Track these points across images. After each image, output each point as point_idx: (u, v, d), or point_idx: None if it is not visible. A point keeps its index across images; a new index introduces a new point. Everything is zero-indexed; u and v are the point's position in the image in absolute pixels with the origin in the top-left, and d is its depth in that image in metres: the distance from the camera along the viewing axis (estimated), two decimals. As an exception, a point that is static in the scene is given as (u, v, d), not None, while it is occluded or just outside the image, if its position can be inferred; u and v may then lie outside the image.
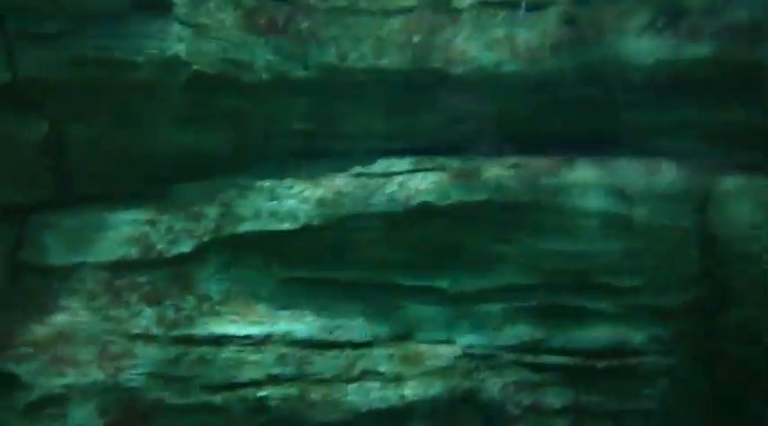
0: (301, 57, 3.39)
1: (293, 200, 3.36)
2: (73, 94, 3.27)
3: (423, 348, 3.21)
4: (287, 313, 3.25)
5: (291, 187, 3.40)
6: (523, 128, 3.51)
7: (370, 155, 3.48)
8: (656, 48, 3.35)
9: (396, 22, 3.42)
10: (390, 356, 3.17)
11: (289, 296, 3.32)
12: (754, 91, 3.35)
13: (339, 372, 3.11)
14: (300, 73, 3.39)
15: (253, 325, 3.19)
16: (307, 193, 3.38)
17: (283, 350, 3.14)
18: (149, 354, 3.07)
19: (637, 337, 3.24)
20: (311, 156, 3.52)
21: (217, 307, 3.22)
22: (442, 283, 3.33)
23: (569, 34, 3.42)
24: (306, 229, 3.31)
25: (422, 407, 3.09)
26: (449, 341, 3.26)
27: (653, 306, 3.27)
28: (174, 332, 3.13)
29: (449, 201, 3.31)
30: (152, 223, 3.37)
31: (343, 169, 3.46)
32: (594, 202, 3.30)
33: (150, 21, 3.25)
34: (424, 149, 3.49)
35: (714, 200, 3.29)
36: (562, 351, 3.22)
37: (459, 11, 3.43)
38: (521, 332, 3.26)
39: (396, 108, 3.50)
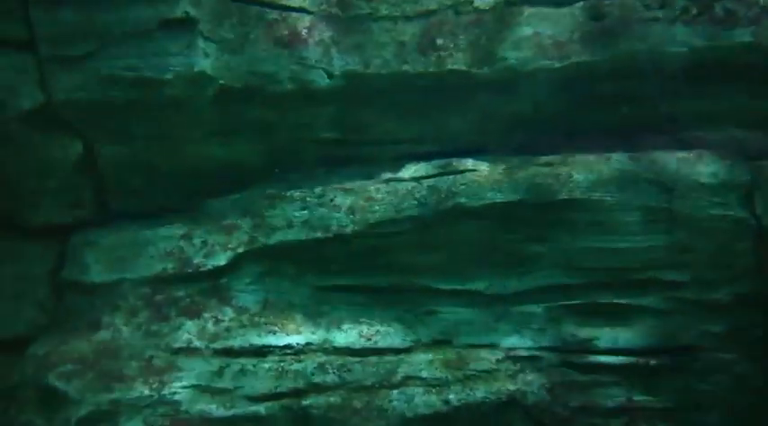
0: (325, 66, 3.40)
1: (324, 209, 3.37)
2: (105, 114, 3.34)
3: (464, 352, 3.19)
4: (324, 321, 3.26)
5: (322, 195, 3.41)
6: (555, 124, 3.45)
7: (399, 160, 3.47)
8: (691, 36, 3.28)
9: (417, 26, 3.40)
10: (431, 361, 3.15)
11: (325, 304, 3.32)
12: (793, 74, 3.27)
13: (381, 379, 3.10)
14: (325, 82, 3.40)
15: (292, 335, 3.20)
16: (337, 201, 3.38)
17: (323, 358, 3.15)
18: (192, 367, 3.10)
19: (688, 333, 3.16)
20: (340, 164, 3.53)
21: (255, 318, 3.24)
22: (479, 285, 3.30)
23: (598, 27, 3.36)
24: (338, 237, 3.31)
25: (467, 412, 3.06)
26: (490, 344, 3.23)
27: (702, 301, 3.19)
28: (216, 345, 3.16)
29: (481, 203, 3.28)
30: (187, 237, 3.41)
31: (372, 175, 3.45)
32: (634, 196, 3.24)
33: (176, 38, 3.28)
34: (453, 152, 3.47)
35: (761, 189, 3.20)
36: (610, 351, 3.15)
37: (482, 11, 3.39)
38: (565, 331, 3.20)
39: (423, 112, 3.48)
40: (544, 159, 3.36)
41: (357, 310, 3.30)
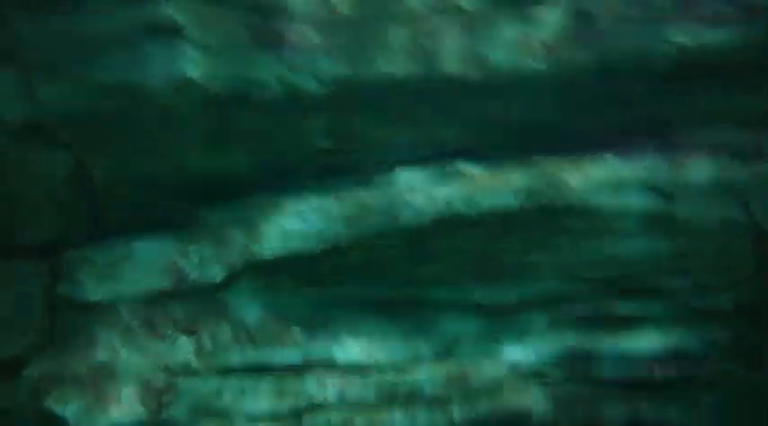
0: (314, 70, 3.31)
1: (319, 219, 3.31)
2: (92, 125, 3.28)
3: (466, 366, 3.15)
4: (324, 336, 3.22)
5: (316, 205, 3.34)
6: (546, 128, 3.40)
7: (393, 168, 3.40)
8: (679, 36, 3.18)
9: (405, 30, 3.30)
10: (433, 377, 3.12)
11: (322, 318, 3.28)
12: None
13: (382, 396, 3.07)
14: (314, 87, 3.31)
15: (290, 351, 3.16)
16: (332, 211, 3.32)
17: (323, 375, 3.11)
18: (191, 387, 3.07)
19: (693, 342, 3.12)
20: (334, 173, 3.46)
21: (253, 334, 3.20)
22: (478, 295, 3.26)
23: (584, 27, 3.26)
24: (334, 249, 3.26)
25: (471, 428, 3.04)
26: (492, 356, 3.18)
27: (705, 309, 3.15)
28: (214, 363, 3.12)
29: (478, 210, 3.22)
30: (182, 252, 3.36)
31: (366, 183, 3.39)
32: (631, 201, 3.18)
33: (162, 45, 3.21)
34: (446, 157, 3.40)
35: (757, 190, 3.14)
36: (615, 362, 3.12)
37: (469, 13, 3.30)
38: (568, 342, 3.16)
39: (414, 117, 3.41)
40: (538, 164, 3.29)
41: (356, 324, 3.26)
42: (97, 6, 3.14)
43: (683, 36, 3.22)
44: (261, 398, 3.05)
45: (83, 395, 3.04)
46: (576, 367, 3.13)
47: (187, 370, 3.11)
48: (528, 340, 3.21)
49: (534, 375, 3.12)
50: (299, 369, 3.12)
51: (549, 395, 3.07)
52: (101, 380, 3.08)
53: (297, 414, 3.02)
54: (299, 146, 3.44)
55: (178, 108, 3.26)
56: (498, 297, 3.25)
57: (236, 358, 3.14)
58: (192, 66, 3.24)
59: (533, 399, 3.07)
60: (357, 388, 3.09)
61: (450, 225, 3.24)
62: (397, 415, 3.02)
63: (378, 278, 3.30)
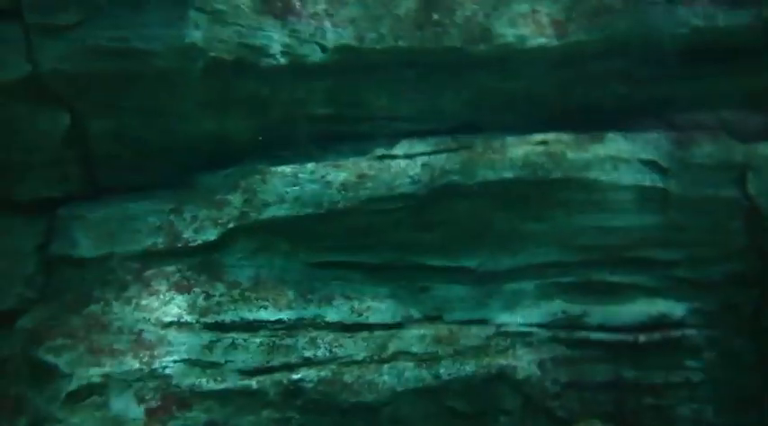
0: (319, 39, 3.35)
1: (316, 185, 3.35)
2: (93, 85, 3.28)
3: (455, 328, 3.20)
4: (316, 297, 3.25)
5: (314, 171, 3.38)
6: (551, 103, 3.43)
7: (393, 137, 3.44)
8: (691, 17, 3.25)
9: (413, 0, 3.35)
10: (422, 336, 3.17)
11: (317, 280, 3.31)
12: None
13: (371, 354, 3.12)
14: (318, 56, 3.35)
15: (283, 310, 3.20)
16: (329, 177, 3.36)
17: (314, 333, 3.15)
18: (183, 341, 3.09)
19: (677, 310, 3.19)
20: (333, 140, 3.50)
21: (246, 293, 3.23)
22: (471, 263, 3.31)
23: (596, 5, 3.33)
24: (330, 213, 3.30)
25: (457, 386, 3.09)
26: (481, 320, 3.24)
27: (693, 280, 3.21)
28: (206, 319, 3.15)
29: (475, 180, 3.27)
30: (177, 212, 3.38)
31: (365, 152, 3.43)
32: (627, 176, 3.24)
33: (166, 8, 3.22)
34: (447, 129, 3.45)
35: (754, 169, 3.22)
36: (601, 327, 3.18)
37: (476, -17, 3.35)
38: (556, 308, 3.23)
39: (418, 88, 3.45)
40: (539, 137, 3.35)
41: (349, 286, 3.30)
42: (102, -33, 3.14)
43: (696, 17, 3.26)
44: (252, 353, 3.09)
45: (75, 347, 3.06)
46: (561, 330, 3.21)
47: (179, 325, 3.14)
48: (517, 305, 3.28)
49: (520, 336, 3.19)
50: (291, 327, 3.16)
51: (534, 356, 3.14)
52: (93, 332, 3.10)
53: (287, 369, 3.06)
54: (300, 114, 3.47)
55: (180, 71, 3.27)
56: (491, 264, 3.31)
57: (228, 315, 3.18)
58: (196, 30, 3.25)
59: (519, 359, 3.14)
60: (347, 346, 3.14)
61: (446, 194, 3.28)
62: (385, 372, 3.08)
63: (372, 243, 3.34)
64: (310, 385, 3.05)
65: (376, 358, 3.11)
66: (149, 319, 3.14)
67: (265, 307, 3.20)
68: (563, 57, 3.37)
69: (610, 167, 3.26)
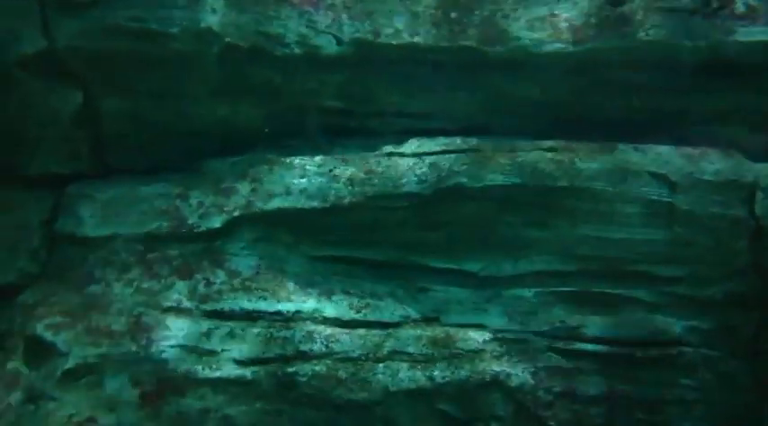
0: (335, 32, 3.33)
1: (323, 178, 3.34)
2: (107, 64, 3.28)
3: (452, 330, 3.19)
4: (316, 291, 3.26)
5: (322, 165, 3.37)
6: (563, 110, 3.41)
7: (402, 135, 3.43)
8: (710, 30, 3.20)
9: (431, -3, 3.33)
10: (419, 337, 3.16)
11: (318, 274, 3.32)
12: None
13: (367, 351, 3.11)
14: (333, 48, 3.34)
15: (282, 302, 3.20)
16: (337, 171, 3.35)
17: (312, 327, 3.15)
18: (181, 327, 3.10)
19: (676, 327, 3.17)
20: (343, 134, 3.49)
21: (247, 283, 3.24)
22: (473, 266, 3.30)
23: (616, 13, 3.28)
24: (335, 207, 3.29)
25: (450, 389, 3.08)
26: (479, 325, 3.23)
27: (694, 297, 3.19)
28: (205, 306, 3.16)
29: (482, 184, 3.25)
30: (183, 197, 3.39)
31: (374, 148, 3.42)
32: (635, 188, 3.21)
33: (185, -9, 3.21)
34: (458, 130, 3.42)
35: (763, 189, 3.18)
36: (597, 339, 3.16)
37: (496, -16, 3.32)
38: (554, 317, 3.21)
39: (430, 87, 3.43)
40: (548, 144, 3.32)
41: (349, 282, 3.29)
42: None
43: (716, 31, 3.21)
44: (249, 344, 3.09)
45: (74, 326, 3.08)
46: (558, 340, 3.19)
47: (178, 310, 3.15)
48: (515, 312, 3.26)
49: (516, 343, 3.18)
50: (289, 320, 3.17)
51: (528, 364, 3.13)
52: (93, 312, 3.12)
53: (283, 362, 3.07)
54: (311, 105, 3.46)
55: (195, 55, 3.27)
56: (492, 268, 3.29)
57: (227, 303, 3.18)
58: (213, 15, 3.24)
59: (513, 367, 3.12)
60: (343, 342, 3.14)
61: (453, 195, 3.26)
62: (380, 371, 3.08)
63: (375, 240, 3.33)
64: (304, 379, 3.05)
65: (371, 356, 3.11)
66: (149, 303, 3.15)
67: (265, 298, 3.21)
68: (578, 64, 3.33)
69: (618, 178, 3.23)
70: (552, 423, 3.07)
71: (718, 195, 3.20)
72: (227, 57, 3.29)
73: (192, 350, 3.06)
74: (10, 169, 3.46)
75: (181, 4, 3.22)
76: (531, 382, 3.09)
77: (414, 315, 3.25)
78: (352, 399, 3.04)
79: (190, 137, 3.46)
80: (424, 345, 3.13)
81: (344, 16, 3.35)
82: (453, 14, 3.36)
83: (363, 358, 3.09)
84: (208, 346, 3.07)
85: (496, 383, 3.09)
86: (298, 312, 3.18)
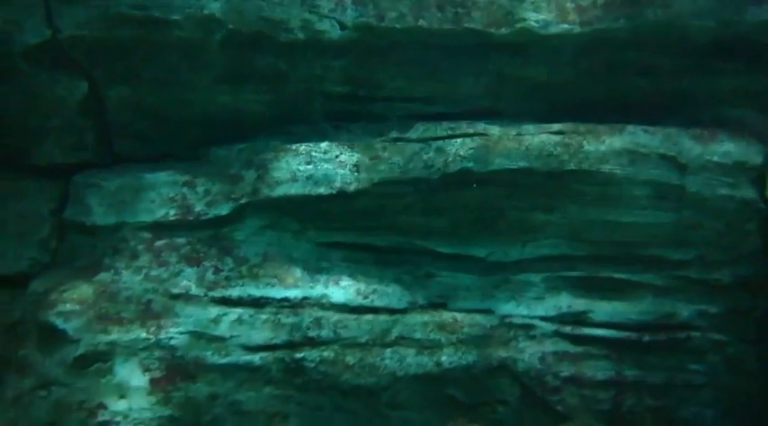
0: (338, 16, 3.29)
1: (329, 165, 3.33)
2: (111, 53, 3.28)
3: (459, 316, 3.20)
4: (323, 277, 3.26)
5: (328, 151, 3.36)
6: (570, 92, 3.37)
7: (408, 120, 3.41)
8: (719, 10, 3.14)
9: (436, -20, 3.28)
10: (426, 323, 3.17)
11: (325, 260, 3.32)
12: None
13: (375, 337, 3.13)
14: (337, 33, 3.30)
15: (290, 288, 3.21)
16: (343, 158, 3.34)
17: (320, 313, 3.16)
18: (190, 314, 3.13)
19: (684, 312, 3.15)
20: (348, 120, 3.47)
21: (255, 270, 3.25)
22: (480, 251, 3.29)
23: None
24: (342, 194, 3.28)
25: (457, 374, 3.09)
26: (486, 310, 3.23)
27: (702, 281, 3.17)
28: (214, 293, 3.18)
29: (489, 168, 3.23)
30: (190, 185, 3.39)
31: (380, 133, 3.40)
32: (644, 171, 3.18)
33: (187, -22, 3.18)
34: (464, 114, 3.40)
35: (772, 171, 3.15)
36: (605, 324, 3.15)
37: (504, -32, 3.27)
38: (562, 302, 3.20)
39: (436, 71, 3.39)
40: (556, 127, 3.29)
41: (356, 268, 3.30)
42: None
43: (725, 10, 3.15)
44: (257, 329, 3.11)
45: (84, 313, 3.11)
46: (565, 324, 3.18)
47: (187, 297, 3.17)
48: (523, 297, 3.26)
49: (524, 328, 3.17)
50: (297, 306, 3.18)
51: (536, 349, 3.13)
52: (102, 300, 3.14)
53: (290, 347, 3.08)
54: (315, 90, 3.44)
55: (198, 42, 3.25)
56: (500, 254, 3.28)
57: (236, 290, 3.20)
58: (216, 1, 3.22)
59: (521, 351, 3.12)
60: (351, 328, 3.15)
61: (459, 181, 3.25)
62: (387, 356, 3.09)
63: (382, 226, 3.33)
64: (312, 364, 3.07)
65: (379, 341, 3.12)
66: (158, 289, 3.17)
67: (272, 285, 3.22)
68: (585, 45, 3.28)
69: (626, 161, 3.20)
70: (560, 408, 3.08)
71: (728, 177, 3.17)
72: (231, 44, 3.28)
73: (201, 337, 3.09)
74: (18, 159, 3.48)
75: (184, -8, 3.20)
76: (539, 367, 3.09)
77: (421, 300, 3.25)
78: (359, 384, 3.07)
79: (195, 125, 3.46)
80: (431, 331, 3.14)
81: (348, 0, 3.31)
82: (459, -2, 3.31)
83: (371, 343, 3.11)
84: (217, 332, 3.10)
85: (504, 367, 3.10)
86: (305, 298, 3.19)
